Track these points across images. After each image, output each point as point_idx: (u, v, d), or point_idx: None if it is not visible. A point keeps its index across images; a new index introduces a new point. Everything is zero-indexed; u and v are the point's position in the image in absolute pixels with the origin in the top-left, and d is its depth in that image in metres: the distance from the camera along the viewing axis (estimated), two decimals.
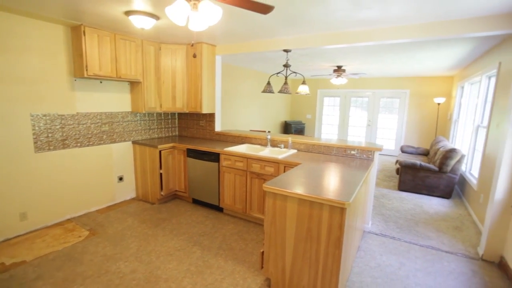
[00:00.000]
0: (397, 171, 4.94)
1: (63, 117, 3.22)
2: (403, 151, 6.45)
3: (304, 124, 8.82)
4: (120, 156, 3.94)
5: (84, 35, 3.02)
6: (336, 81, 6.00)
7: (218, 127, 4.45)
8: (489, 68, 3.89)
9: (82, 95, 3.39)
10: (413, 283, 2.41)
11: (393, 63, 5.33)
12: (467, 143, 4.92)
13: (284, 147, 3.69)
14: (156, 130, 4.48)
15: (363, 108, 8.38)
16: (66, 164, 3.30)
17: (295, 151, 3.54)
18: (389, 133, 8.10)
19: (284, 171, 3.02)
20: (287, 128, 8.71)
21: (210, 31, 3.36)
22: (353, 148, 3.26)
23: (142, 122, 4.24)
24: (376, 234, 3.25)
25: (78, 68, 3.15)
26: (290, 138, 3.56)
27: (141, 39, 3.69)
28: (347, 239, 1.98)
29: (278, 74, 3.78)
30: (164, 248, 2.82)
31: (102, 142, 3.68)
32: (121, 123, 3.92)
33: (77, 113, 3.36)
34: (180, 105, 4.20)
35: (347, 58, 5.00)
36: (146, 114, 4.28)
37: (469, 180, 4.22)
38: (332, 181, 2.24)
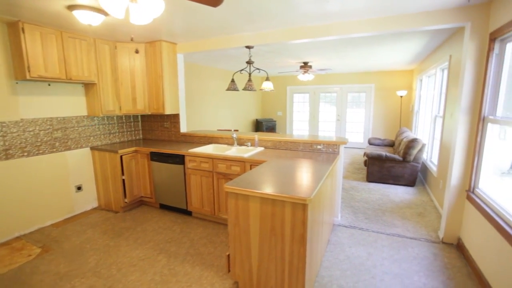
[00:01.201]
0: (365, 163, 5.07)
1: (3, 124, 2.91)
2: (370, 143, 6.66)
3: (275, 121, 8.85)
4: (77, 164, 3.66)
5: (23, 32, 2.75)
6: (303, 77, 6.05)
7: (183, 128, 4.29)
8: (442, 61, 4.09)
9: (27, 100, 3.09)
10: (380, 272, 2.45)
11: (356, 58, 5.47)
12: (427, 132, 5.17)
13: (251, 145, 3.62)
14: (117, 134, 4.23)
15: (332, 103, 8.56)
16: (11, 177, 2.99)
17: (262, 148, 3.49)
18: (358, 127, 8.35)
19: (251, 170, 2.95)
20: (258, 126, 8.68)
21: (169, 28, 3.21)
22: (318, 143, 3.27)
23: (101, 126, 3.98)
24: (345, 227, 3.29)
25: (19, 70, 2.86)
26: (256, 136, 3.50)
27: (94, 38, 3.44)
28: (312, 235, 1.96)
29: (242, 71, 3.70)
30: (126, 259, 2.64)
31: (54, 150, 3.39)
32: (76, 128, 3.64)
33: (21, 119, 3.05)
34: (142, 107, 3.99)
35: (312, 54, 5.04)
36: (105, 118, 4.02)
37: (430, 167, 4.43)
38: (295, 178, 2.20)
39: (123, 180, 3.67)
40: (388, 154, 4.73)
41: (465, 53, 2.63)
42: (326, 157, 3.04)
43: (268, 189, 1.90)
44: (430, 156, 4.75)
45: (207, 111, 6.67)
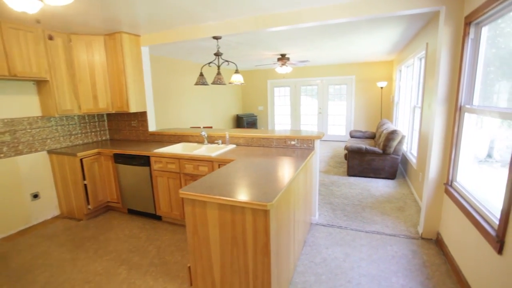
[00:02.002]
0: (345, 156, 4.95)
1: None
2: (352, 136, 6.56)
3: (256, 116, 8.63)
4: (31, 169, 3.33)
5: None
6: (281, 70, 5.84)
7: (152, 127, 4.01)
8: (419, 50, 3.97)
9: None
10: (357, 274, 2.30)
11: (334, 48, 5.30)
12: (407, 124, 5.09)
13: (222, 143, 3.40)
14: (80, 135, 3.90)
15: (313, 96, 8.42)
16: None
17: (234, 146, 3.27)
18: (339, 119, 8.25)
19: (216, 170, 2.73)
20: (239, 121, 8.45)
21: (129, 18, 2.93)
22: (292, 138, 3.08)
23: (60, 127, 3.65)
24: (323, 226, 3.14)
25: None
26: (227, 133, 3.28)
27: (42, 29, 3.10)
28: (278, 243, 1.77)
29: (210, 64, 3.45)
30: (81, 275, 2.39)
31: (2, 155, 3.05)
32: (29, 130, 3.30)
33: None
34: (104, 105, 3.68)
35: (288, 45, 4.83)
36: (64, 118, 3.69)
37: (410, 159, 4.34)
38: (261, 179, 2.00)
39: (85, 185, 3.38)
40: (368, 147, 4.62)
41: (441, 39, 2.48)
42: (301, 153, 2.85)
43: (227, 194, 1.69)
44: (409, 148, 4.67)
45: (183, 108, 6.37)
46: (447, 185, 2.51)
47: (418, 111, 4.28)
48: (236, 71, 3.40)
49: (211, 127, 4.48)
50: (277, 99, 8.87)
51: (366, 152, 4.60)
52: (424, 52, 3.73)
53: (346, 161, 5.76)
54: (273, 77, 8.60)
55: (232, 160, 2.65)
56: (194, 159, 2.89)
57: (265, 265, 1.65)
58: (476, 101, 2.25)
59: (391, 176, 4.58)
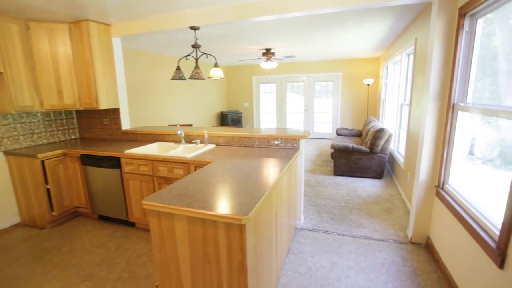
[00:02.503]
0: (332, 155, 4.80)
1: None
2: (338, 134, 6.44)
3: (241, 113, 8.38)
4: None
5: None
6: (266, 65, 5.62)
7: (126, 125, 3.70)
8: (408, 46, 3.84)
9: None
10: (344, 286, 2.12)
11: (321, 43, 5.12)
12: (394, 121, 4.99)
13: (201, 143, 3.15)
14: (44, 134, 3.54)
15: (299, 93, 8.25)
16: None
17: (213, 146, 3.03)
18: (326, 117, 8.13)
19: (189, 174, 2.48)
20: (223, 119, 8.18)
21: (96, 3, 2.61)
22: (276, 138, 2.87)
23: (19, 125, 3.28)
24: (309, 230, 2.95)
25: None
26: (206, 131, 3.03)
27: None
28: (257, 259, 1.55)
29: (187, 57, 3.18)
30: None
31: None
32: None
33: None
34: (71, 101, 3.34)
35: (273, 39, 4.61)
36: (24, 115, 3.33)
37: (397, 158, 4.23)
38: (240, 184, 1.77)
39: (48, 189, 3.05)
40: (355, 145, 4.48)
41: (433, 32, 2.32)
42: (285, 153, 2.65)
43: (197, 205, 1.46)
44: (397, 146, 4.57)
45: (163, 105, 6.04)
46: (438, 188, 2.37)
47: (405, 108, 4.17)
48: (216, 65, 3.14)
49: (190, 125, 4.20)
50: (262, 95, 8.65)
51: (353, 151, 4.45)
52: (412, 47, 3.59)
53: (332, 160, 5.63)
54: (258, 73, 8.36)
55: (209, 162, 2.41)
56: (168, 160, 2.63)
57: (241, 285, 1.44)
58: (470, 98, 2.11)
59: (378, 175, 4.47)
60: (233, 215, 1.33)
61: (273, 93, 8.49)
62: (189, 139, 3.25)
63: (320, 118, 8.19)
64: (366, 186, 4.17)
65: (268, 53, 5.46)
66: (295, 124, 8.44)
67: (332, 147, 4.62)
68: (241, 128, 3.35)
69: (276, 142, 2.86)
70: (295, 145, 2.80)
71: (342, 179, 4.53)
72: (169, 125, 4.22)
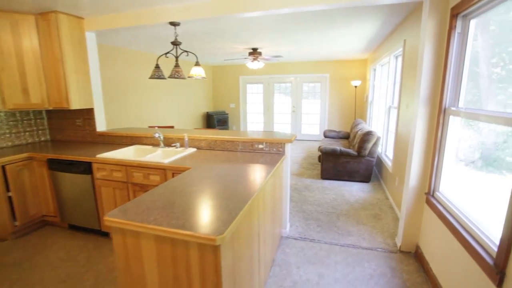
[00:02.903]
0: (319, 158, 4.69)
1: None
2: (326, 136, 6.36)
3: (227, 114, 8.19)
4: None
5: None
6: (253, 65, 5.46)
7: (101, 127, 3.45)
8: (396, 47, 3.77)
9: None
10: None
11: (308, 44, 5.00)
12: (381, 124, 4.93)
13: (180, 146, 2.95)
14: (8, 136, 3.25)
15: (287, 94, 8.14)
16: None
17: (194, 150, 2.84)
18: (313, 118, 8.05)
19: (165, 183, 2.29)
20: (209, 120, 7.96)
21: None
22: (260, 141, 2.71)
23: None
24: (295, 239, 2.81)
25: None
26: (185, 135, 2.83)
27: None
28: (233, 281, 1.38)
29: (167, 55, 2.98)
30: None
31: None
32: None
33: None
34: (38, 100, 3.07)
35: (260, 38, 4.45)
36: None
37: (385, 162, 4.16)
38: (218, 195, 1.60)
39: (10, 197, 2.77)
40: (342, 149, 4.38)
41: (423, 34, 2.22)
42: (269, 158, 2.49)
43: (167, 222, 1.28)
44: (384, 150, 4.51)
45: (144, 105, 5.77)
46: (428, 195, 2.27)
47: (393, 111, 4.11)
48: (197, 64, 2.95)
49: (172, 127, 3.99)
50: (249, 96, 8.48)
51: (341, 154, 4.36)
52: (401, 49, 3.52)
53: (320, 163, 5.52)
54: (245, 73, 8.19)
55: (187, 169, 2.22)
56: (144, 166, 2.42)
57: None
58: (462, 102, 2.01)
59: (365, 179, 4.39)
60: (206, 235, 1.15)
61: (260, 93, 8.34)
62: (168, 143, 3.05)
63: (307, 119, 8.10)
64: (354, 191, 4.07)
65: (254, 52, 5.30)
66: (282, 125, 8.32)
67: (320, 150, 4.51)
68: (224, 130, 3.17)
69: (261, 146, 2.70)
70: (281, 149, 2.65)
71: (330, 183, 4.42)
72: (149, 127, 3.99)
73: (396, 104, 3.87)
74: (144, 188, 2.47)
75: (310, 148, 7.04)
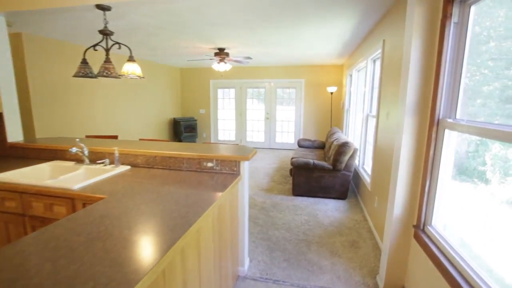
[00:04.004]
0: (291, 172, 4.18)
1: None
2: (300, 146, 5.90)
3: (196, 120, 7.54)
4: None
5: None
6: (219, 67, 4.90)
7: (15, 136, 2.73)
8: (374, 50, 3.37)
9: None
10: None
11: (280, 45, 4.54)
12: (358, 134, 4.54)
13: (111, 163, 2.31)
14: None
15: (260, 100, 7.65)
16: None
17: (126, 168, 2.21)
18: (288, 126, 7.61)
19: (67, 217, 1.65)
20: (176, 126, 7.28)
21: None
22: (209, 159, 2.13)
23: None
24: (255, 280, 2.24)
25: None
26: (116, 148, 2.20)
27: None
28: None
29: (96, 47, 2.35)
30: None
31: None
32: None
33: None
34: None
35: (224, 36, 3.92)
36: None
37: (363, 177, 3.73)
38: (128, 248, 1.00)
39: None
40: (316, 161, 3.90)
41: (409, 26, 1.78)
42: (221, 180, 1.93)
43: None
44: (362, 162, 4.09)
45: (95, 109, 5.02)
46: (417, 229, 1.80)
47: (371, 120, 3.70)
48: (130, 59, 2.33)
49: (115, 137, 3.32)
50: (220, 101, 7.90)
51: (314, 167, 3.88)
52: (379, 51, 3.12)
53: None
54: (216, 76, 7.62)
55: (101, 199, 1.61)
56: (45, 193, 1.77)
57: None
58: (460, 113, 1.57)
59: (342, 195, 3.93)
60: None
61: (233, 99, 7.79)
62: (95, 158, 2.39)
63: (282, 127, 7.65)
64: (329, 210, 3.59)
65: (221, 53, 4.75)
66: (255, 133, 7.81)
67: (291, 163, 4.01)
68: (167, 144, 2.57)
69: (210, 164, 2.13)
70: (235, 169, 2.09)
71: (302, 200, 3.92)
72: (86, 137, 3.29)
73: (374, 112, 3.46)
74: (46, 222, 1.81)
75: (284, 158, 6.55)
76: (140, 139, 3.03)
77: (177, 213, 1.39)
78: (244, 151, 2.20)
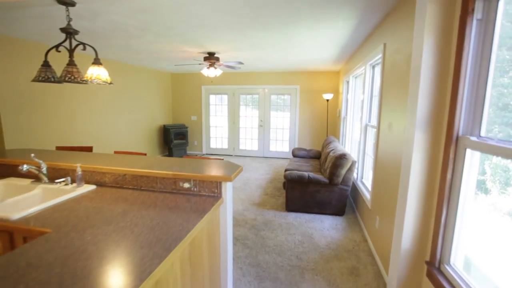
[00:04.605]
0: (284, 185, 3.88)
1: None
2: (294, 155, 5.61)
3: (187, 127, 7.22)
4: None
5: None
6: (209, 72, 4.62)
7: None
8: (373, 54, 3.12)
9: None
10: None
11: (273, 50, 4.28)
12: (356, 144, 4.27)
13: (72, 182, 1.99)
14: None
15: (254, 107, 7.37)
16: None
17: (91, 188, 1.89)
18: (283, 134, 7.33)
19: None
20: (166, 134, 6.95)
21: None
22: (186, 179, 1.82)
23: None
24: None
25: None
26: (79, 165, 1.88)
27: None
28: None
29: (58, 48, 2.04)
30: None
31: None
32: None
33: None
34: None
35: (213, 39, 3.64)
36: None
37: (362, 191, 3.44)
38: None
39: None
40: (312, 175, 3.61)
41: (420, 25, 1.51)
42: (199, 204, 1.62)
43: None
44: (361, 175, 3.80)
45: (78, 116, 4.68)
46: (431, 267, 1.51)
47: (371, 130, 3.43)
48: (96, 61, 2.02)
49: (90, 148, 3.00)
50: (212, 108, 7.61)
51: (309, 181, 3.58)
52: (380, 56, 2.86)
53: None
54: (208, 82, 7.34)
55: (43, 233, 1.29)
56: None
57: None
58: (485, 129, 1.29)
59: (339, 212, 3.63)
60: None
61: (225, 105, 7.50)
62: (57, 175, 2.07)
63: (276, 135, 7.36)
64: (325, 229, 3.28)
65: (210, 57, 4.48)
66: (248, 141, 7.51)
67: (285, 176, 3.71)
68: (140, 160, 2.26)
69: (187, 185, 1.82)
70: (215, 190, 1.79)
71: (296, 216, 3.61)
72: (57, 148, 2.96)
73: (374, 122, 3.20)
74: None
75: (278, 168, 6.25)
76: (115, 152, 2.71)
77: (132, 257, 1.07)
78: (228, 169, 1.89)
